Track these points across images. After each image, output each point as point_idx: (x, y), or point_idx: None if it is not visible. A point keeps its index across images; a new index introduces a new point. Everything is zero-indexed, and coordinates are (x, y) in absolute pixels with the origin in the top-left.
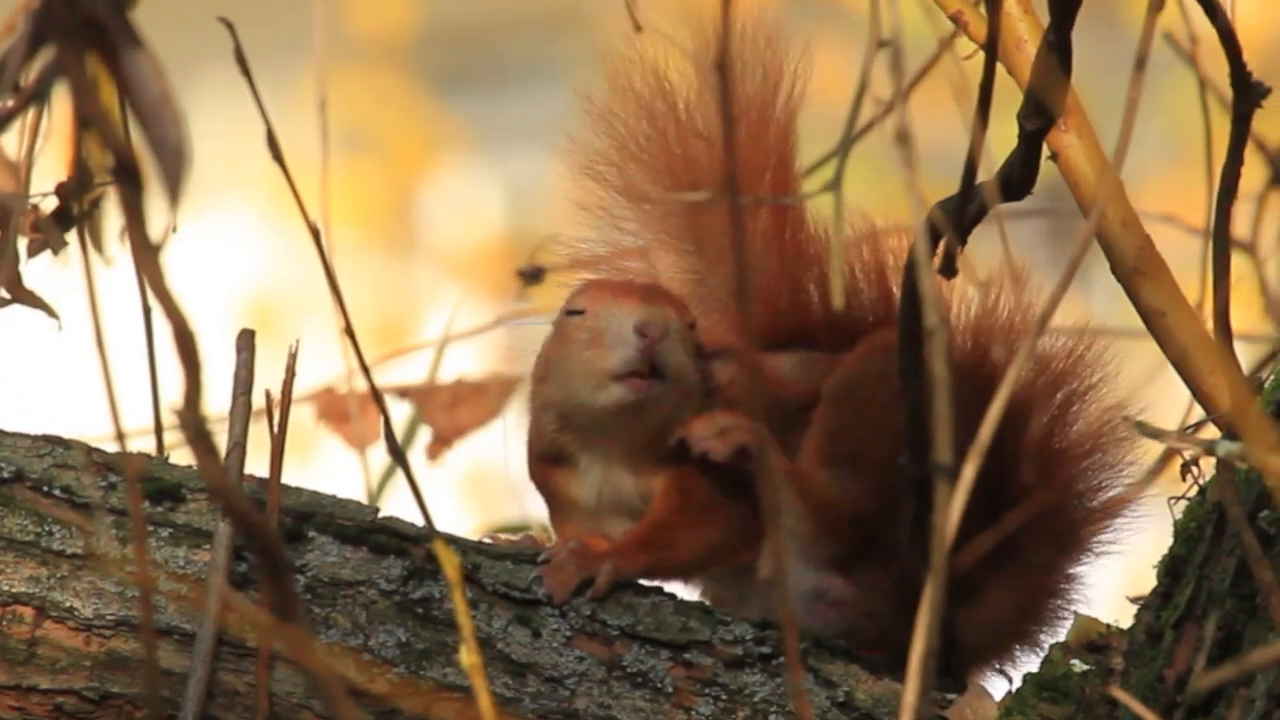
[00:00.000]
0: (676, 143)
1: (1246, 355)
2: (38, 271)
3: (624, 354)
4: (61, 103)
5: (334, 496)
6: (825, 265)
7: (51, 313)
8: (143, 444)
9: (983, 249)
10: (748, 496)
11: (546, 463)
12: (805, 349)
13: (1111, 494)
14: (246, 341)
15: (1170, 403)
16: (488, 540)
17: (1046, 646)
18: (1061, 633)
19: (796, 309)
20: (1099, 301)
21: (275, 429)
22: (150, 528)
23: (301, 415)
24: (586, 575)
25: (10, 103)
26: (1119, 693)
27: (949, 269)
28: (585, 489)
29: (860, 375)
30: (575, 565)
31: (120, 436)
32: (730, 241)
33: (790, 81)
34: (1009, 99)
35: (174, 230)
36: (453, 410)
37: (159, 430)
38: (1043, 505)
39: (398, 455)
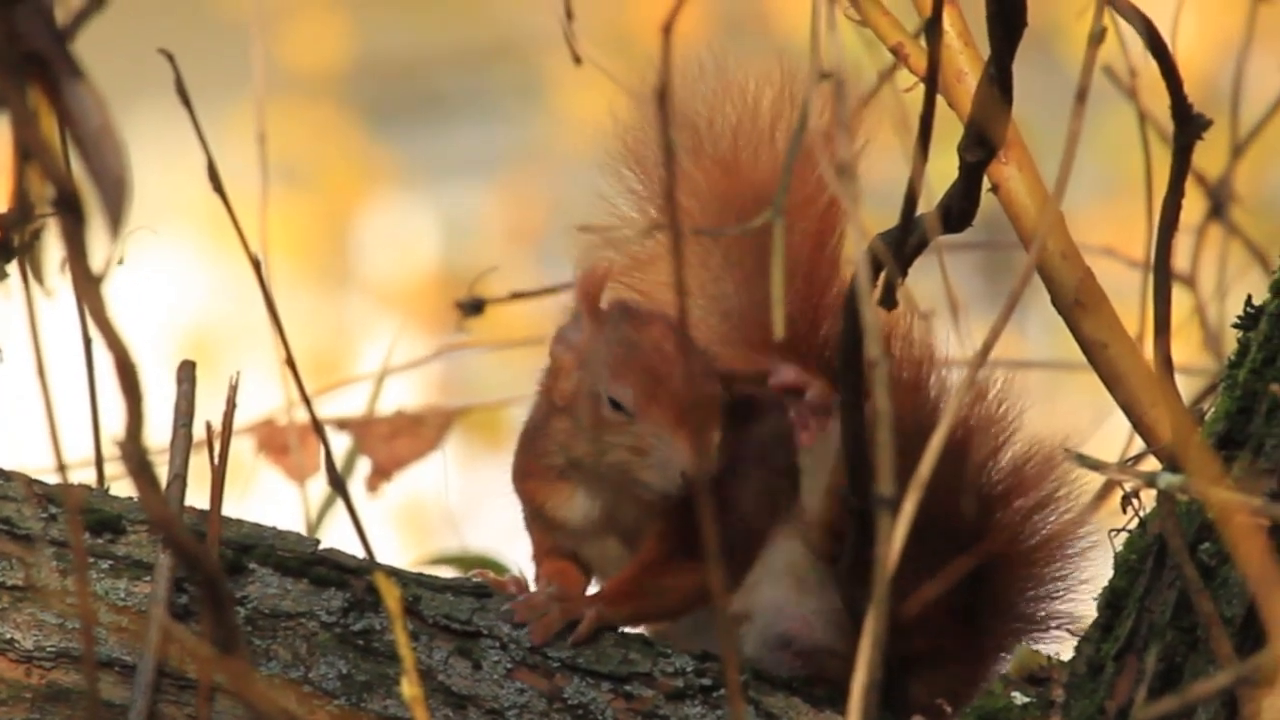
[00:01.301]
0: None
1: (1187, 387)
2: None
3: (663, 484)
4: (2, 134)
5: (275, 528)
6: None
7: None
8: (83, 476)
9: (923, 281)
10: (732, 538)
11: (538, 478)
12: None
13: (1053, 528)
14: (187, 373)
15: (1111, 435)
16: (471, 576)
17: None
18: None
19: (815, 333)
20: (1038, 334)
21: (216, 460)
22: (91, 559)
23: (241, 447)
24: (569, 620)
25: None
26: None
27: (889, 300)
28: (575, 512)
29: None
30: (559, 610)
31: (61, 468)
32: (674, 272)
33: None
34: (950, 131)
35: (120, 262)
36: (392, 442)
37: (100, 462)
38: (990, 550)
39: (338, 486)
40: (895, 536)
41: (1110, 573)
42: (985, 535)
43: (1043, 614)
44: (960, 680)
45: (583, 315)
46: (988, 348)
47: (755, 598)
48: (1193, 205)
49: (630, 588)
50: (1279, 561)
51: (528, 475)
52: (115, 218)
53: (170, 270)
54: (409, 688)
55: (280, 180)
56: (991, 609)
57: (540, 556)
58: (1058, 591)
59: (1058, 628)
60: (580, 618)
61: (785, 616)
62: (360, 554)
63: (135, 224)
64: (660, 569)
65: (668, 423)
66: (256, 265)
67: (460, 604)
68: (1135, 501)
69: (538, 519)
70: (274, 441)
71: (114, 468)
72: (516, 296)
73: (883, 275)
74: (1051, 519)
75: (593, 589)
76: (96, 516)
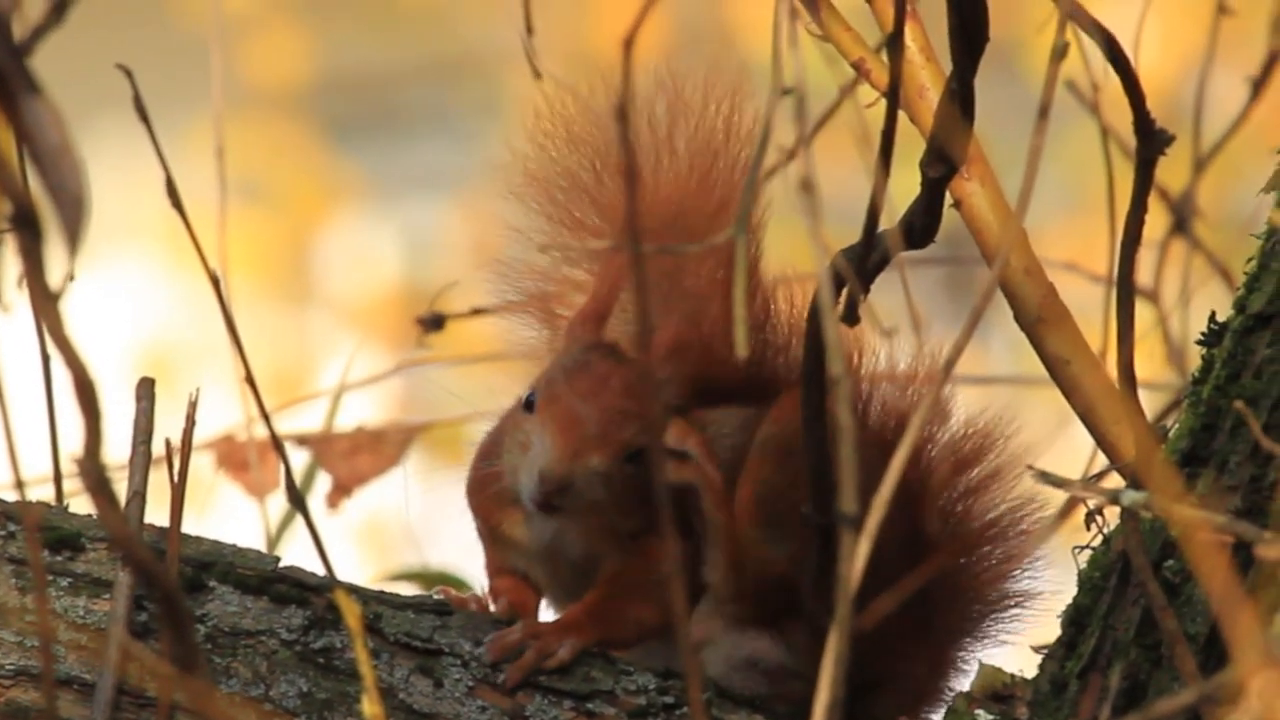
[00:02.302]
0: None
1: (1151, 403)
2: None
3: (528, 487)
4: None
5: (234, 545)
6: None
7: None
8: (42, 493)
9: (885, 298)
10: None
11: (491, 497)
12: (749, 404)
13: (1012, 545)
14: (146, 390)
15: (1074, 451)
16: (433, 594)
17: (950, 696)
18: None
19: (741, 360)
20: (1001, 350)
21: (175, 477)
22: (50, 577)
23: (201, 463)
24: (544, 657)
25: None
26: None
27: (851, 317)
28: (527, 534)
29: (795, 430)
30: (534, 653)
31: (19, 485)
32: (637, 289)
33: (742, 124)
34: (912, 147)
35: (72, 278)
36: (352, 458)
37: (58, 479)
38: (947, 563)
39: (298, 503)
40: (858, 554)
41: (1074, 590)
42: (929, 524)
43: (996, 595)
44: (924, 685)
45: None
46: (950, 364)
47: (719, 621)
48: (1156, 220)
49: (592, 617)
50: (1242, 579)
51: (481, 492)
52: (73, 235)
53: (130, 286)
54: (370, 706)
55: (241, 196)
56: (945, 604)
57: (493, 572)
58: (1011, 572)
59: (1015, 606)
60: (553, 652)
61: (750, 638)
62: (321, 571)
63: (95, 240)
64: (622, 597)
65: (553, 424)
66: (215, 282)
67: (421, 622)
68: (1099, 519)
69: (490, 537)
70: (234, 458)
71: (73, 485)
72: (477, 312)
73: (845, 292)
74: (996, 496)
75: (545, 613)
76: (55, 534)
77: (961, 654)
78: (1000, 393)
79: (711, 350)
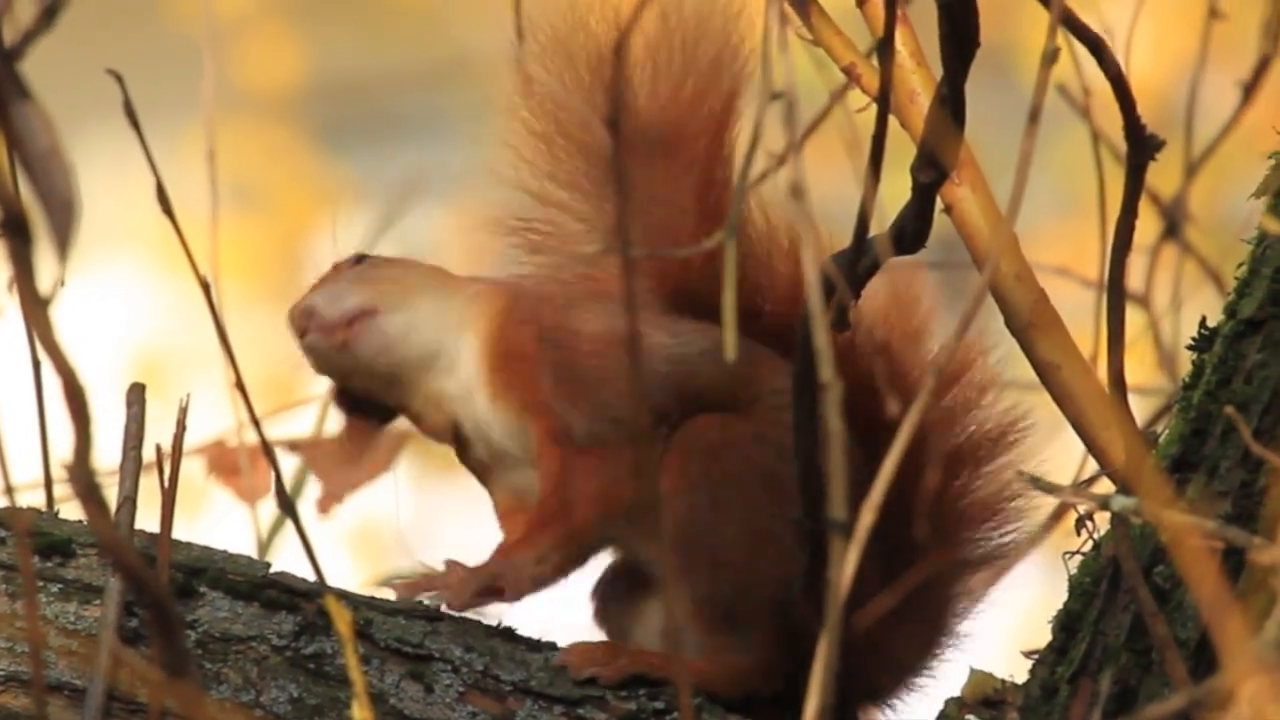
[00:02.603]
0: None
1: (1141, 409)
2: None
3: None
4: None
5: (225, 551)
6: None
7: None
8: (32, 498)
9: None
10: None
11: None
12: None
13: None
14: (137, 396)
15: (1065, 457)
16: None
17: (942, 702)
18: (955, 686)
19: (713, 271)
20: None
21: (166, 483)
22: (40, 583)
23: (192, 469)
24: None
25: None
26: None
27: (842, 323)
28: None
29: (698, 514)
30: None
31: (9, 491)
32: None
33: (744, 53)
34: (902, 152)
35: (62, 284)
36: (343, 463)
37: (49, 485)
38: (939, 566)
39: (287, 509)
40: (849, 560)
41: (1065, 595)
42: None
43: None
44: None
45: None
46: (941, 369)
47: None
48: (1147, 225)
49: (541, 518)
50: (1232, 585)
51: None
52: (63, 240)
53: (123, 291)
54: (360, 711)
55: (233, 200)
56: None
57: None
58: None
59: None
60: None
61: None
62: (311, 577)
63: (88, 244)
64: (561, 482)
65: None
66: (206, 288)
67: (412, 627)
68: (1090, 524)
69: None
70: (224, 463)
71: (63, 491)
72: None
73: (835, 297)
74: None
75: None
76: (46, 540)
77: (945, 628)
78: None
79: (688, 263)
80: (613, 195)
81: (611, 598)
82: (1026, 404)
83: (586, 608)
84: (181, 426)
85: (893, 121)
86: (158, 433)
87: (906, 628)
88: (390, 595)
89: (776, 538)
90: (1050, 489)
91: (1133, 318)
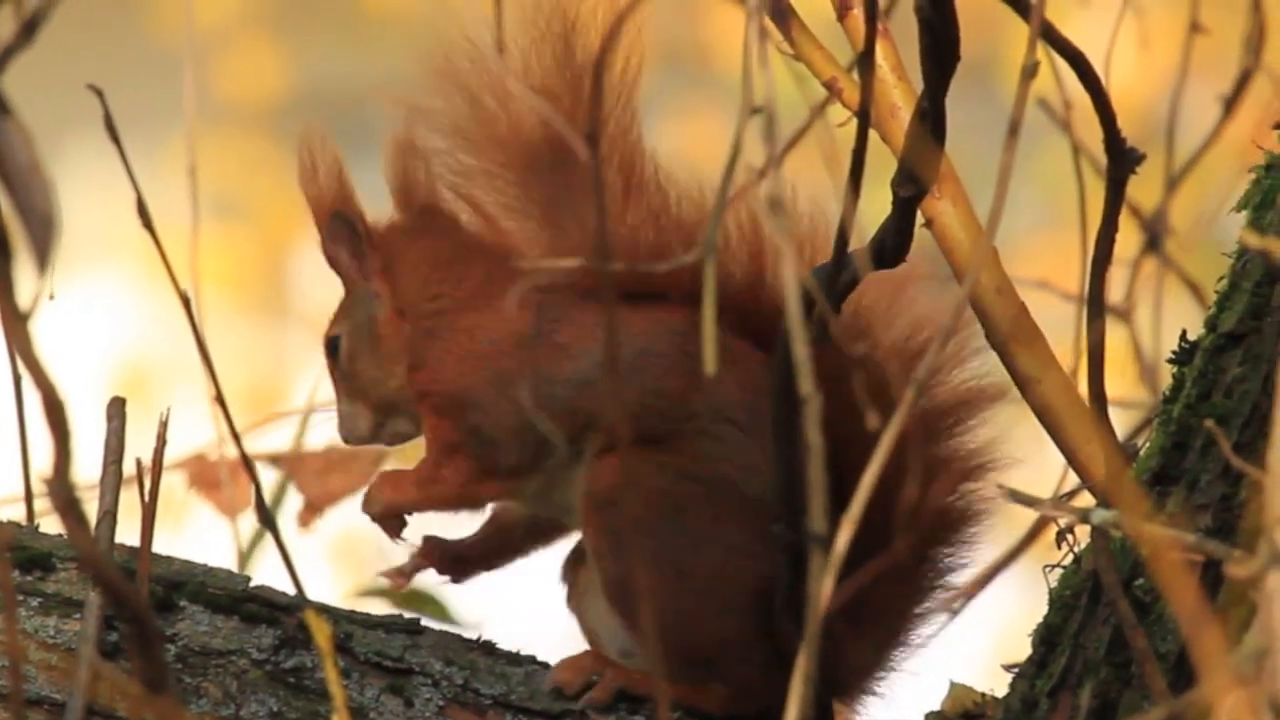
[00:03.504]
0: (501, 110)
1: (1121, 422)
2: None
3: None
4: None
5: (205, 565)
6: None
7: None
8: (12, 512)
9: None
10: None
11: None
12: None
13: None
14: (117, 409)
15: (1045, 470)
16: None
17: (922, 715)
18: (937, 696)
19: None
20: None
21: (146, 497)
22: (20, 597)
23: (172, 483)
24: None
25: None
26: None
27: (822, 337)
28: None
29: (623, 525)
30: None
31: None
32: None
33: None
34: (882, 166)
35: (51, 298)
36: (324, 477)
37: (29, 498)
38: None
39: (267, 523)
40: (828, 574)
41: (1045, 609)
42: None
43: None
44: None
45: None
46: (923, 383)
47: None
48: (1128, 238)
49: (411, 476)
50: (1212, 598)
51: None
52: (43, 256)
53: (105, 304)
54: None
55: (215, 212)
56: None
57: None
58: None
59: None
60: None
61: (619, 632)
62: (292, 591)
63: (70, 258)
64: (435, 460)
65: None
66: (186, 301)
67: (392, 641)
68: (1070, 537)
69: None
70: (205, 477)
71: (43, 504)
72: None
73: (815, 312)
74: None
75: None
76: (26, 554)
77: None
78: None
79: (633, 246)
80: (546, 206)
81: (572, 582)
82: (1006, 417)
83: (565, 621)
84: (162, 440)
85: (873, 136)
86: (138, 446)
87: (863, 627)
88: (371, 609)
89: (723, 573)
90: (1030, 502)
91: (1113, 331)
